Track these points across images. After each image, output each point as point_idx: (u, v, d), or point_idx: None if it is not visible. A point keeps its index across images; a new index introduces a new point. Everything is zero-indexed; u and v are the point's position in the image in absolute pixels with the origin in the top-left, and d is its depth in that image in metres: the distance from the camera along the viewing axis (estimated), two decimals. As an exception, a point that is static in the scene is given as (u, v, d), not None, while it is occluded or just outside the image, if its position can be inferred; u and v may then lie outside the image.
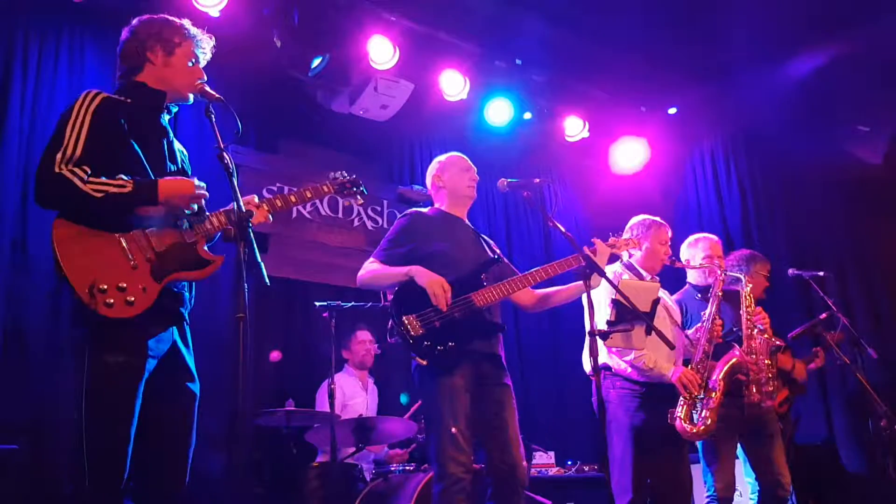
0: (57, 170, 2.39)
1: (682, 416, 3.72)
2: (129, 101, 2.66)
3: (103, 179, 2.42)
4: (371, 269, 3.43)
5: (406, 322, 3.17)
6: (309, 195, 2.94)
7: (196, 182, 2.57)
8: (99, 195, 2.39)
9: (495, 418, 3.27)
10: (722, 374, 3.82)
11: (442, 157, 3.73)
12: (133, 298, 2.40)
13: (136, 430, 2.44)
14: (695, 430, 3.71)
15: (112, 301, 2.36)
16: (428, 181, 3.76)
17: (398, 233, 3.51)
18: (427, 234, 3.47)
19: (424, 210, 3.68)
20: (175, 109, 2.87)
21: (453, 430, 3.12)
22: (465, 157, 3.73)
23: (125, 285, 2.39)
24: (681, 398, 3.75)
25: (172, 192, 2.50)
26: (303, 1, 5.30)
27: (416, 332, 3.16)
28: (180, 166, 2.79)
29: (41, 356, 4.51)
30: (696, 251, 4.32)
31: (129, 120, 2.60)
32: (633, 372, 3.74)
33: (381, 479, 4.43)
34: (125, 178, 2.45)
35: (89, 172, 2.42)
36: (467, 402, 3.20)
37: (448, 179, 3.65)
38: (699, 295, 4.28)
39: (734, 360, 3.88)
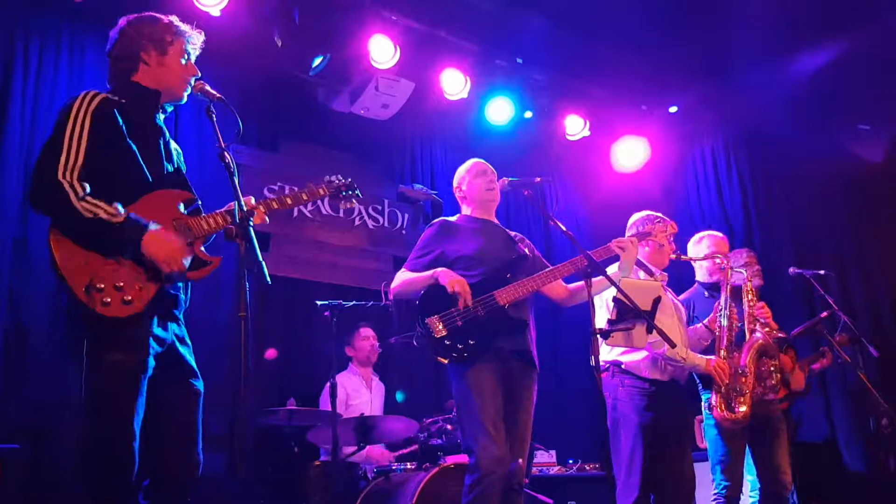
0: (59, 177, 2.39)
1: (717, 405, 3.75)
2: (124, 101, 2.65)
3: (99, 202, 2.40)
4: (401, 278, 3.52)
5: (429, 323, 3.24)
6: (305, 197, 2.96)
7: (182, 246, 2.50)
8: (88, 215, 2.38)
9: (510, 415, 3.31)
10: (749, 357, 3.85)
11: (460, 168, 3.80)
12: (130, 297, 2.40)
13: (143, 428, 2.44)
14: (734, 417, 3.77)
15: (109, 300, 2.37)
16: (454, 193, 3.83)
17: (425, 241, 3.58)
18: (455, 239, 3.53)
19: (452, 218, 3.72)
20: (170, 108, 2.86)
21: (485, 422, 3.16)
22: (481, 161, 3.78)
23: (122, 284, 2.40)
24: (713, 387, 3.79)
25: (155, 246, 2.42)
26: (303, 0, 5.30)
27: (438, 333, 3.23)
28: (176, 166, 2.79)
29: (42, 356, 4.51)
30: (700, 248, 4.34)
31: (126, 120, 2.60)
32: (648, 369, 3.74)
33: (383, 478, 4.43)
34: (121, 209, 2.42)
35: (87, 191, 2.41)
36: (499, 395, 3.27)
37: (467, 188, 3.72)
38: (707, 293, 4.30)
39: (759, 342, 3.90)
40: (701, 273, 4.40)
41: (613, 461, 3.74)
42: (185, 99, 2.82)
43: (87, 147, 2.46)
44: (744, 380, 3.81)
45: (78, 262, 2.39)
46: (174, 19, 2.83)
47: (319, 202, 6.20)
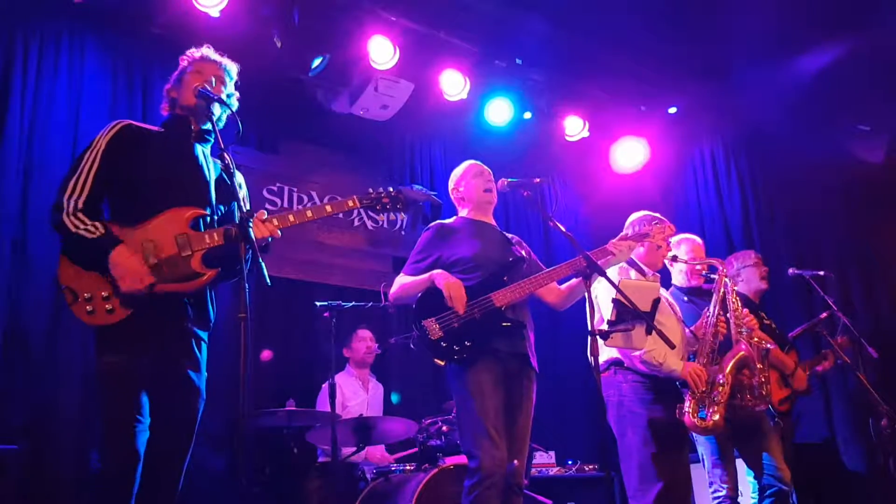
0: (64, 198, 2.62)
1: (690, 411, 3.72)
2: (162, 130, 2.88)
3: (83, 218, 2.61)
4: (399, 283, 3.51)
5: (425, 326, 3.25)
6: (329, 210, 2.88)
7: (145, 276, 2.58)
8: (73, 230, 2.59)
9: (508, 417, 3.31)
10: (729, 368, 3.83)
11: (457, 170, 3.80)
12: (112, 307, 2.56)
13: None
14: (704, 425, 3.70)
15: (92, 309, 2.55)
16: (450, 195, 3.82)
17: (423, 245, 3.58)
18: (452, 243, 3.53)
19: (448, 221, 3.72)
20: (213, 135, 2.95)
21: (485, 424, 3.16)
22: (477, 162, 3.78)
23: (108, 294, 2.56)
24: (688, 393, 3.75)
25: (116, 265, 2.56)
26: (303, 1, 5.30)
27: (434, 335, 3.23)
28: (205, 183, 2.86)
29: (41, 356, 4.51)
30: (678, 252, 4.31)
31: (155, 147, 2.78)
32: (643, 366, 3.73)
33: (382, 479, 4.43)
34: (100, 227, 2.61)
35: (79, 208, 2.62)
36: (498, 396, 3.26)
37: (465, 189, 3.73)
38: (686, 297, 4.28)
39: (741, 354, 3.88)
40: (679, 277, 4.37)
41: (622, 460, 3.73)
42: (197, 106, 2.90)
43: (97, 170, 2.67)
44: (720, 389, 3.77)
45: (73, 275, 2.59)
46: (191, 50, 3.04)
47: (318, 203, 6.20)
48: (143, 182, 2.70)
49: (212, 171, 2.91)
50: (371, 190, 2.96)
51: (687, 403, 3.74)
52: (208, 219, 2.81)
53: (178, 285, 2.64)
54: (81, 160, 2.69)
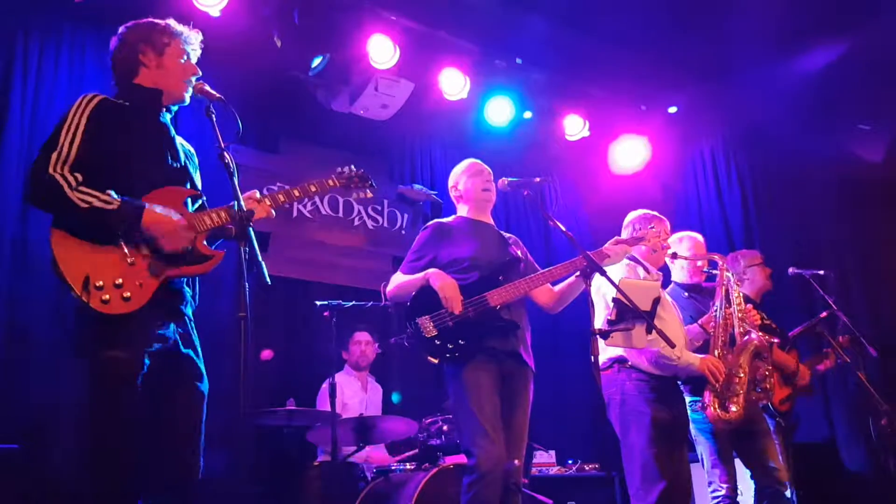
0: (51, 171, 2.42)
1: (712, 405, 3.75)
2: (127, 103, 2.70)
3: (92, 191, 2.42)
4: (396, 281, 3.52)
5: (420, 323, 3.25)
6: (313, 189, 2.95)
7: (183, 223, 2.52)
8: (84, 206, 2.40)
9: (506, 415, 3.31)
10: (744, 358, 3.86)
11: (456, 168, 3.81)
12: (129, 294, 2.41)
13: (143, 429, 2.46)
14: (728, 417, 3.76)
15: (108, 297, 2.37)
16: (449, 193, 3.83)
17: (420, 244, 3.59)
18: (449, 242, 3.54)
19: (447, 220, 3.73)
20: (175, 108, 2.89)
21: (482, 422, 3.16)
22: (477, 161, 3.80)
23: (122, 281, 2.41)
24: (707, 387, 3.79)
25: (155, 223, 2.46)
26: (303, 0, 5.30)
27: (429, 333, 3.24)
28: (183, 164, 2.80)
29: (42, 356, 4.50)
30: (681, 248, 4.31)
31: (128, 121, 2.64)
32: (649, 365, 3.73)
33: (382, 479, 4.43)
34: (114, 195, 2.44)
35: (80, 181, 2.43)
36: (495, 394, 3.27)
37: (464, 188, 3.73)
38: (686, 293, 4.28)
39: (755, 343, 3.91)
40: (680, 274, 4.37)
41: (624, 459, 3.72)
42: (187, 100, 2.85)
43: (80, 143, 2.49)
44: (737, 380, 3.80)
45: (77, 259, 2.40)
46: (171, 22, 2.87)
47: (319, 202, 6.21)
48: (127, 159, 2.57)
49: (183, 146, 2.85)
50: (340, 168, 3.10)
51: (707, 397, 3.77)
52: (198, 200, 2.76)
53: (189, 268, 2.58)
54: (59, 133, 2.50)
